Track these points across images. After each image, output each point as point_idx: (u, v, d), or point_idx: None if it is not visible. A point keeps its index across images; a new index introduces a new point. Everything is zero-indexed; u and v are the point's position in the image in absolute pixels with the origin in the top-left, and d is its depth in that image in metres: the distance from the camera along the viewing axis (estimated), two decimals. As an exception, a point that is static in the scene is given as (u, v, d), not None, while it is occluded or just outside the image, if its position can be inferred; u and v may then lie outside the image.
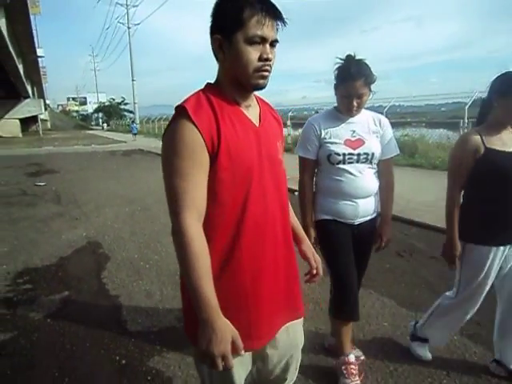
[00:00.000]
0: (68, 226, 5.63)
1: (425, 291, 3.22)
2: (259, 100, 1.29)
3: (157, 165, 12.30)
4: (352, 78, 1.86)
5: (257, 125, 1.21)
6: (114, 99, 61.04)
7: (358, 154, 1.96)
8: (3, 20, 20.49)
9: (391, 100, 13.64)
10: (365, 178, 2.00)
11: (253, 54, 1.09)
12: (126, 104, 57.29)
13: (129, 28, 38.06)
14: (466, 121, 9.69)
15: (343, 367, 2.14)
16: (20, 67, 30.15)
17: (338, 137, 1.97)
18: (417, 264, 3.83)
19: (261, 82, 1.14)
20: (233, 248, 1.15)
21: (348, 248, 2.05)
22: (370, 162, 2.00)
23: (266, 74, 1.14)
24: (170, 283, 3.53)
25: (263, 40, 1.09)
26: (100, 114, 64.49)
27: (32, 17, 26.51)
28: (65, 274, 3.84)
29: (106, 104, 61.83)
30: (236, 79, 1.15)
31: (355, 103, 1.91)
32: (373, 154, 1.99)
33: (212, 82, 1.22)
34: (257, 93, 1.26)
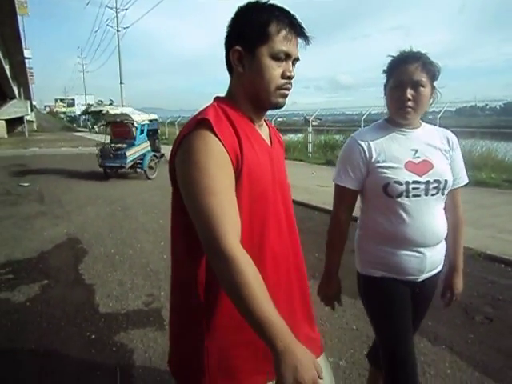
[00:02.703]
0: (50, 223, 5.93)
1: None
2: (266, 121, 1.22)
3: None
4: (404, 61, 1.42)
5: (269, 145, 1.15)
6: (102, 101, 60.89)
7: (427, 183, 1.44)
8: (-10, 22, 20.66)
9: (369, 108, 14.19)
10: (436, 218, 1.49)
11: (277, 70, 1.03)
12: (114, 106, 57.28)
13: (118, 31, 38.16)
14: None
15: None
16: (6, 68, 30.17)
17: (395, 159, 1.46)
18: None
19: (281, 100, 1.08)
20: None
21: (408, 317, 1.55)
22: (442, 194, 1.49)
23: (287, 92, 1.08)
24: (141, 274, 3.91)
25: (287, 56, 1.04)
26: (88, 116, 64.26)
27: (19, 18, 26.64)
28: (45, 266, 4.17)
29: (95, 106, 61.72)
30: (254, 95, 1.07)
31: (409, 95, 1.41)
32: (446, 181, 1.47)
33: (220, 95, 1.13)
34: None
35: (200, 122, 0.98)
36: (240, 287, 0.87)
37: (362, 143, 1.50)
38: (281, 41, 1.02)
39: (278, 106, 1.09)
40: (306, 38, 1.07)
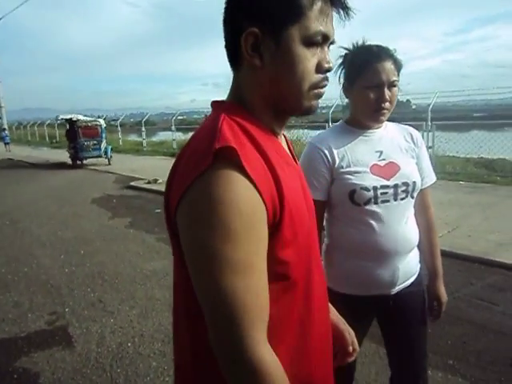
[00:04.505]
0: None
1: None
2: None
3: (28, 176, 11.52)
4: (379, 58, 1.29)
5: (295, 163, 0.85)
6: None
7: (395, 186, 1.34)
8: None
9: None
10: (407, 224, 1.39)
11: (311, 61, 0.73)
12: (-11, 108, 50.74)
13: (-12, 23, 33.84)
14: (331, 123, 11.09)
15: None
16: None
17: (359, 163, 1.35)
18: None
19: (314, 103, 0.77)
20: (302, 349, 0.78)
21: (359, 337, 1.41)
22: (411, 197, 1.39)
23: (323, 91, 0.77)
24: (41, 292, 3.61)
25: (324, 40, 0.73)
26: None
27: None
28: None
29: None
30: (279, 98, 0.75)
31: (387, 96, 1.30)
32: (414, 183, 1.38)
33: (220, 100, 0.80)
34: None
35: (220, 153, 0.63)
36: None
37: (323, 148, 1.36)
38: (316, 17, 0.71)
39: (311, 111, 0.78)
40: (345, 10, 0.74)
